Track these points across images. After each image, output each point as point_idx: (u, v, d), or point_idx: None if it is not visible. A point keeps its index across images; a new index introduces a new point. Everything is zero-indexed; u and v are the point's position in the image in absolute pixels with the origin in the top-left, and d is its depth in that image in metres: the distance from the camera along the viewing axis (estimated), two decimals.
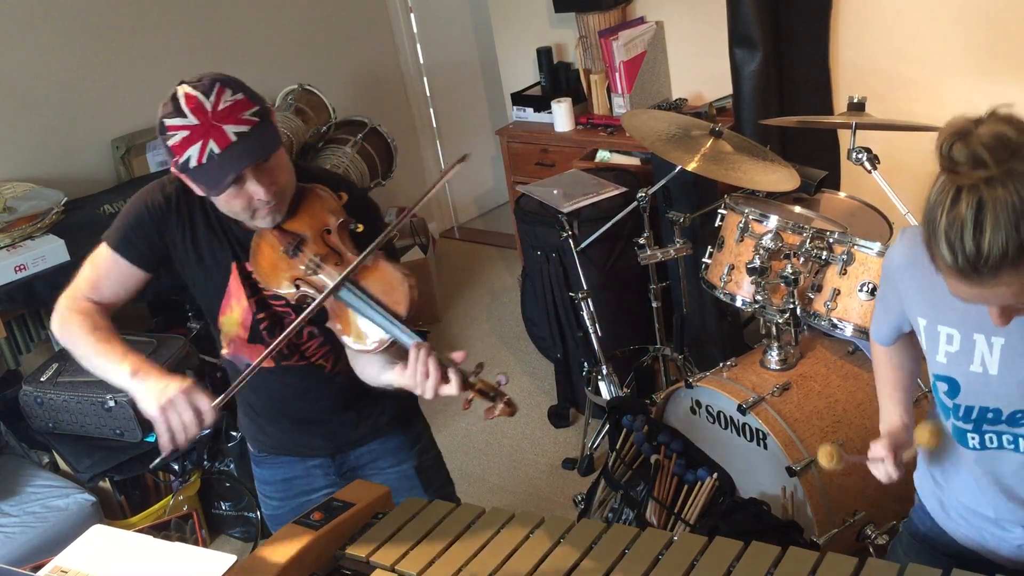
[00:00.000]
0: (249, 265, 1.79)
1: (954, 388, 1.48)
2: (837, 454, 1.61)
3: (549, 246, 3.36)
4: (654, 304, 3.21)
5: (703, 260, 2.77)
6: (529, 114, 4.29)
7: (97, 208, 3.50)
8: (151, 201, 1.79)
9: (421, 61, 5.05)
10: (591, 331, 3.14)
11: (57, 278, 3.17)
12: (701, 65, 4.00)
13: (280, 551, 1.60)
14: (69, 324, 1.79)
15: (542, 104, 4.21)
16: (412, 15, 4.95)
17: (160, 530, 2.97)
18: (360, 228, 1.76)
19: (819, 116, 3.25)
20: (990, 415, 1.46)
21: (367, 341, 1.70)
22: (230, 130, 1.60)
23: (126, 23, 3.82)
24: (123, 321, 3.73)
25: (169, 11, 3.95)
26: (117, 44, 3.81)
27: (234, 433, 3.11)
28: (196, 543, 3.04)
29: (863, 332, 2.38)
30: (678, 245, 3.00)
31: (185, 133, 1.61)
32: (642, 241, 3.02)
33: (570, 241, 3.23)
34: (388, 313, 1.67)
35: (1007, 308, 1.29)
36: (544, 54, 4.29)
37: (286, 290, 1.75)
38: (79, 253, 3.22)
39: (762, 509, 2.37)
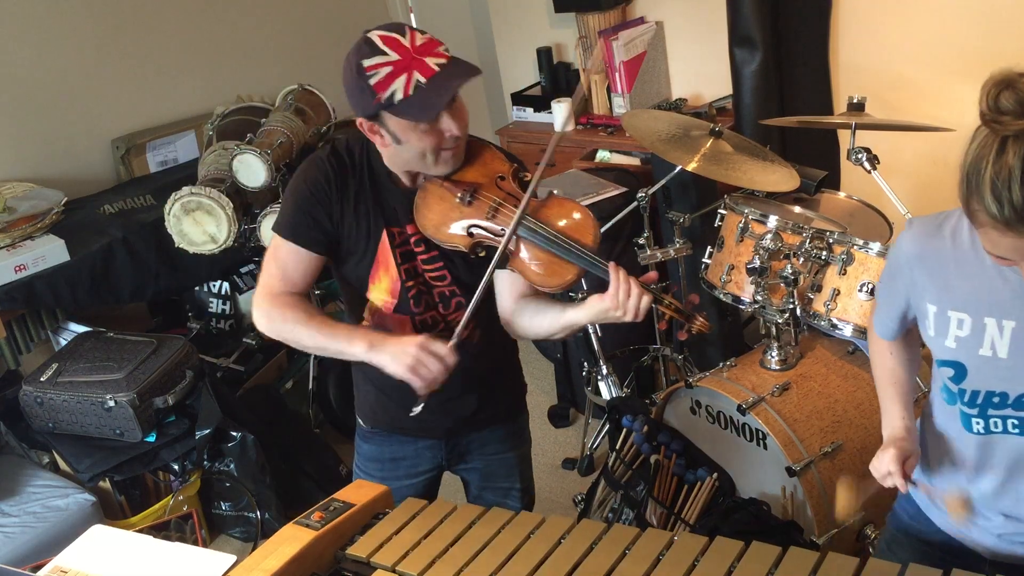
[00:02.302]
0: (411, 227, 1.82)
1: (961, 373, 1.48)
2: (854, 488, 1.62)
3: None
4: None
5: (703, 260, 2.77)
6: (529, 114, 4.29)
7: (97, 208, 3.50)
8: (310, 180, 1.81)
9: None
10: (591, 331, 3.14)
11: (57, 278, 3.18)
12: (701, 65, 4.00)
13: (280, 551, 1.60)
14: (283, 321, 1.80)
15: (542, 104, 4.21)
16: (412, 15, 4.95)
17: (160, 530, 2.97)
18: (529, 176, 1.81)
19: (819, 116, 3.25)
20: (996, 399, 1.47)
21: (557, 278, 1.73)
22: (431, 61, 1.66)
23: (126, 23, 3.82)
24: (123, 321, 3.77)
25: (169, 11, 3.95)
26: (117, 44, 3.81)
27: (234, 433, 3.11)
28: (196, 543, 3.04)
29: (863, 332, 2.38)
30: (678, 245, 3.01)
31: (388, 69, 1.65)
32: (642, 241, 3.02)
33: None
34: (577, 245, 1.71)
35: None
36: (544, 54, 4.29)
37: (459, 239, 1.77)
38: (79, 253, 3.23)
39: (762, 509, 2.37)
